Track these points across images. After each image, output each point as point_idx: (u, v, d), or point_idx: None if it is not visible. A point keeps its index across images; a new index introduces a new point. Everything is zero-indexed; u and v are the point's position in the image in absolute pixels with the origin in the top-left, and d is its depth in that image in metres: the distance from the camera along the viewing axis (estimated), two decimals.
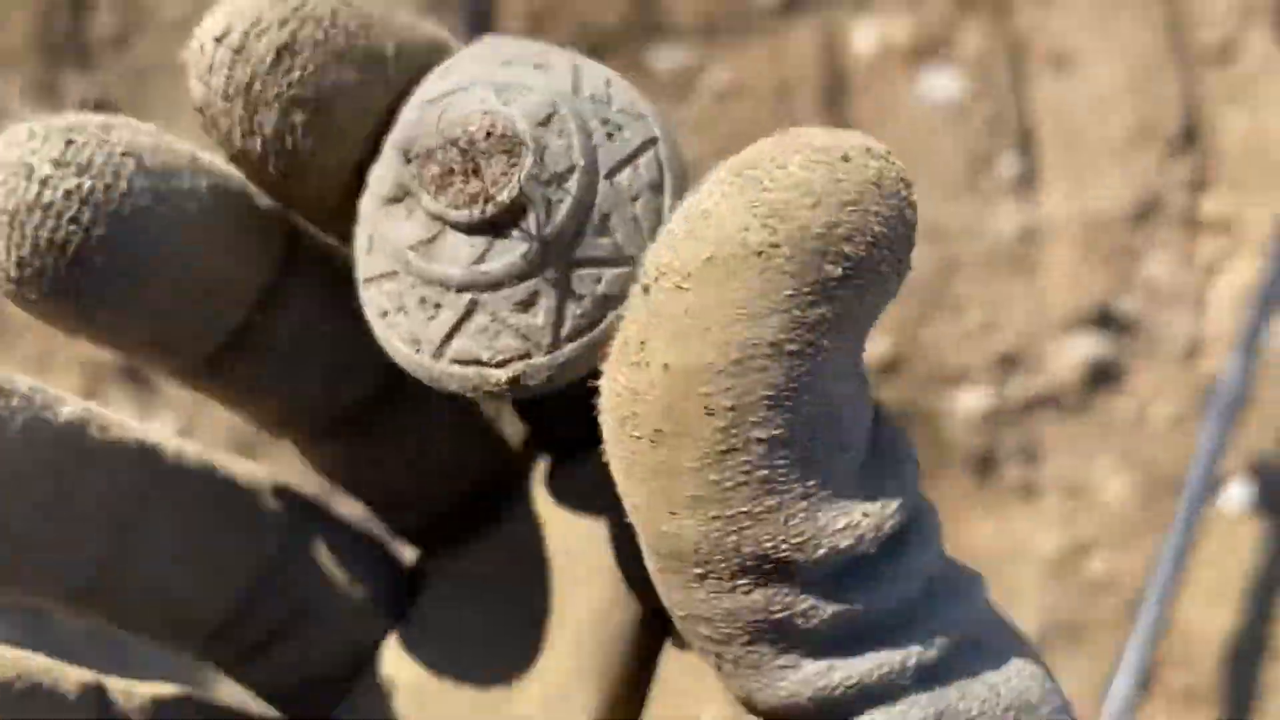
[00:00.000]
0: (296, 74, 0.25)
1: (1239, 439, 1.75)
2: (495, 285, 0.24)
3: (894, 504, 0.22)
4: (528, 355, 0.24)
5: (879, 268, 0.22)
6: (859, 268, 0.21)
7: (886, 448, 0.24)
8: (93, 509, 0.26)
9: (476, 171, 0.24)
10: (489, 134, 0.24)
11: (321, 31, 0.25)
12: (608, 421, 0.23)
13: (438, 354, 0.25)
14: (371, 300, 0.26)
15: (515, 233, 0.24)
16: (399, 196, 0.25)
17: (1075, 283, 1.82)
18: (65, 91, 1.77)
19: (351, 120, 0.25)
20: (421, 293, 0.25)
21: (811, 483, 0.21)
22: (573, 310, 0.24)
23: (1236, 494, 1.74)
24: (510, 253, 0.24)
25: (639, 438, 0.21)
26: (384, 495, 0.33)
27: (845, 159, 0.22)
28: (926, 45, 1.93)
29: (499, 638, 0.30)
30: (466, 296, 0.24)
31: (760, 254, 0.21)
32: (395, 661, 0.31)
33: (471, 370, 0.25)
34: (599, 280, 0.24)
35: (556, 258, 0.24)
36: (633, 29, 1.91)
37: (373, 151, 0.26)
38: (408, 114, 0.25)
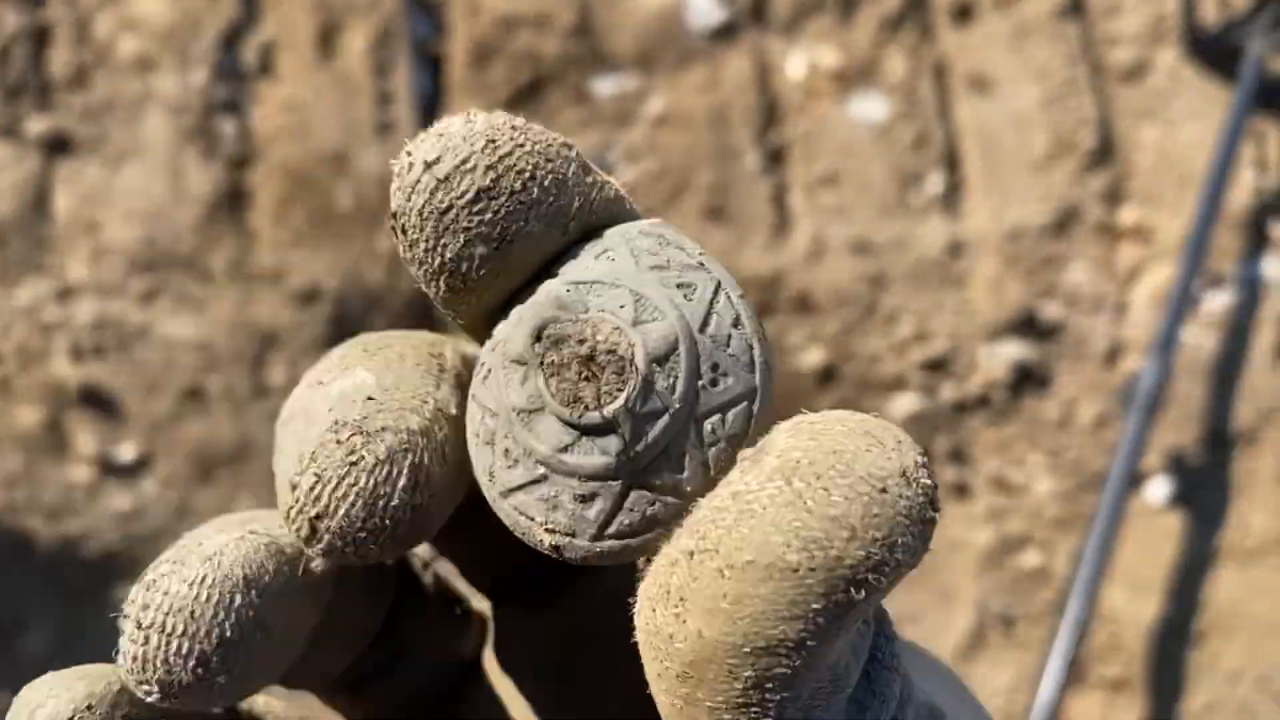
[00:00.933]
0: (488, 215, 0.26)
1: (1158, 437, 1.80)
2: (567, 473, 0.26)
3: None
4: (572, 535, 0.26)
5: (898, 578, 0.24)
6: (881, 586, 0.23)
7: (882, 663, 0.26)
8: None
9: (589, 378, 0.26)
10: (611, 351, 0.26)
11: (520, 183, 0.26)
12: (643, 628, 0.25)
13: (503, 495, 0.27)
14: (471, 416, 0.28)
15: (599, 443, 0.26)
16: (520, 361, 0.26)
17: (1000, 292, 1.88)
18: (25, 129, 1.78)
19: (523, 261, 0.27)
20: (508, 445, 0.27)
21: None
22: (622, 519, 0.26)
23: (1157, 489, 1.81)
24: (588, 456, 0.26)
25: (669, 668, 0.24)
26: (470, 561, 0.36)
27: (883, 490, 0.23)
28: (854, 70, 1.98)
29: (550, 703, 0.33)
30: (541, 469, 0.26)
31: (796, 571, 0.23)
32: (467, 710, 0.34)
33: (523, 520, 0.27)
34: (653, 504, 0.26)
35: (626, 476, 0.26)
36: (574, 59, 1.96)
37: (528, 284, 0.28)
38: (553, 287, 0.27)
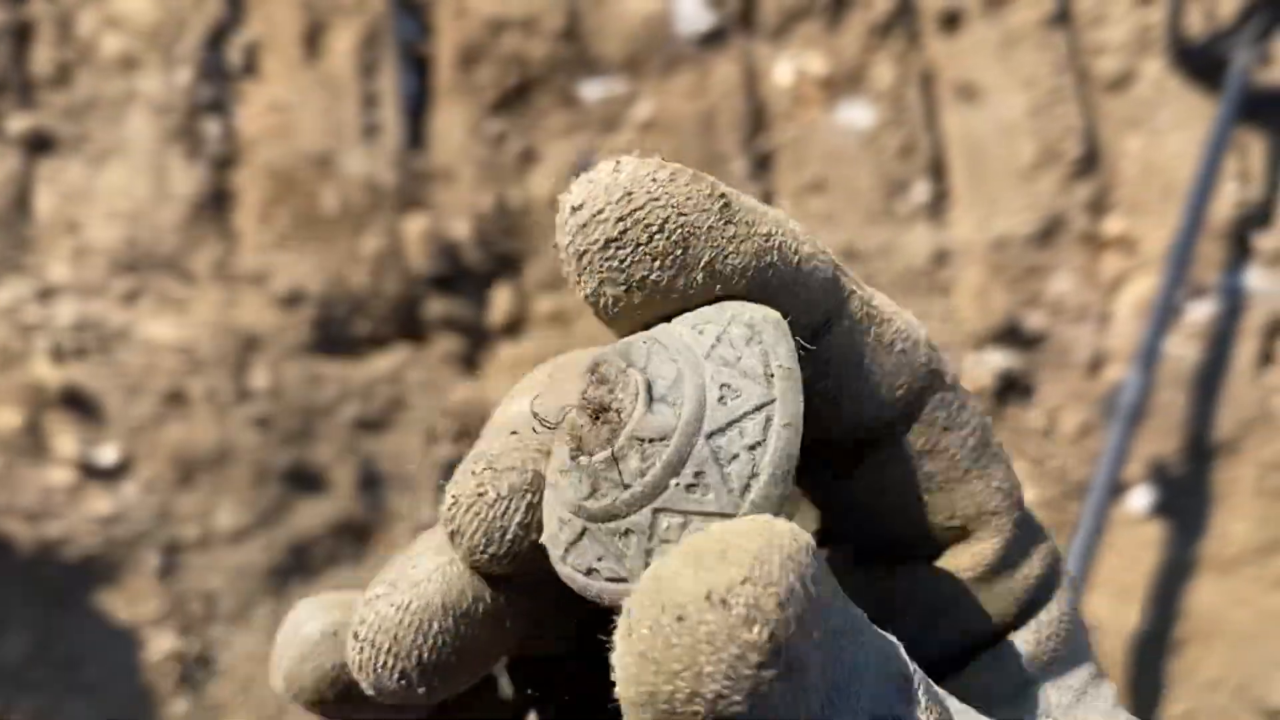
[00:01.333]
0: (615, 262, 0.29)
1: (1140, 446, 1.82)
2: (594, 518, 0.28)
3: None
4: (624, 580, 0.27)
5: (741, 706, 0.23)
6: (717, 714, 0.24)
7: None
8: None
9: (599, 417, 0.28)
10: (617, 388, 0.28)
11: (647, 235, 0.28)
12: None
13: (562, 559, 0.29)
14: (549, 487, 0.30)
15: (612, 478, 0.27)
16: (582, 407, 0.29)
17: (985, 301, 1.89)
18: (6, 127, 1.77)
19: (651, 302, 0.30)
20: (556, 510, 0.29)
21: None
22: (661, 550, 0.27)
23: (1139, 498, 1.82)
24: (605, 497, 0.27)
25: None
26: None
27: (680, 619, 0.24)
28: (842, 77, 1.98)
29: None
30: (580, 522, 0.28)
31: (636, 705, 0.24)
32: None
33: (580, 578, 0.28)
34: (684, 527, 0.27)
35: (645, 504, 0.27)
36: (562, 62, 1.95)
37: None
38: (636, 336, 0.30)
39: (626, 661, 0.24)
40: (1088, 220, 1.95)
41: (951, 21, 2.04)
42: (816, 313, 0.31)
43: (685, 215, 0.29)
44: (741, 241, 0.29)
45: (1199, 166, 1.83)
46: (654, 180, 0.29)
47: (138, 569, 1.58)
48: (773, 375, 0.28)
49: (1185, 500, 1.82)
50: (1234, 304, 1.91)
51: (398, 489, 1.69)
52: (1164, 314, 1.75)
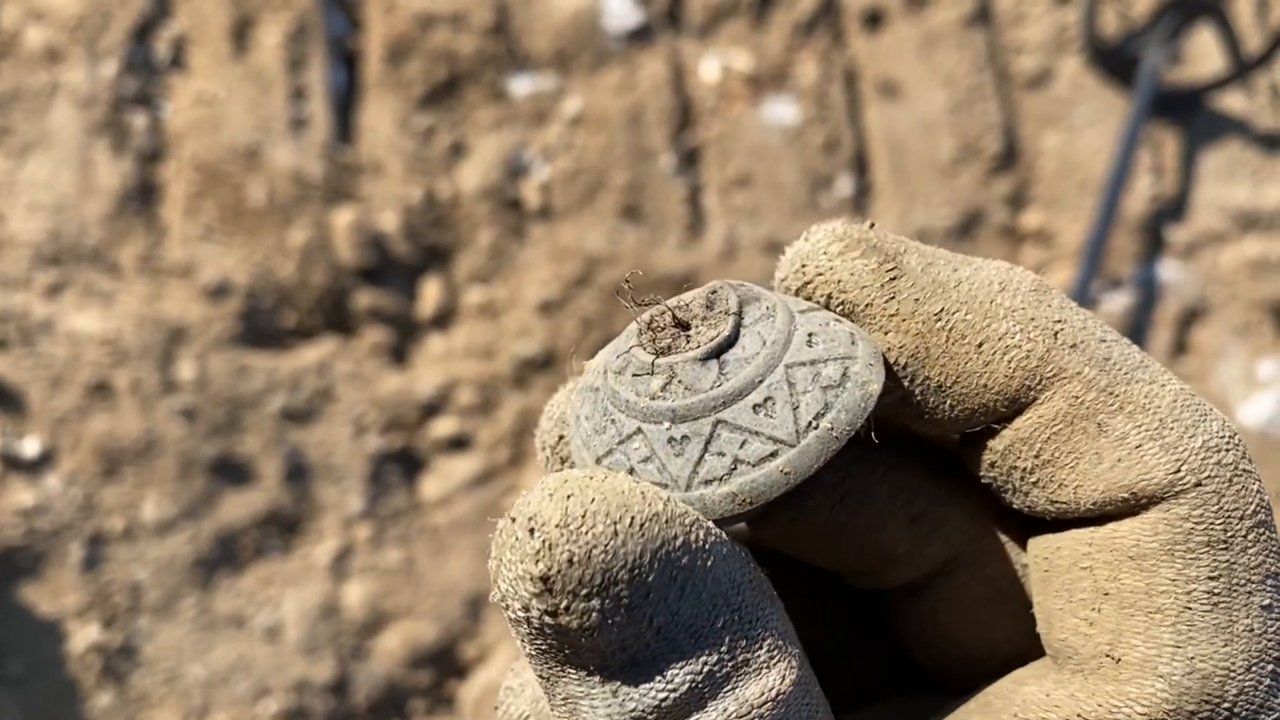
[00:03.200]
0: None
1: None
2: (653, 419, 0.28)
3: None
4: (664, 486, 0.27)
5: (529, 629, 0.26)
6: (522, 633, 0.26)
7: None
8: None
9: (687, 326, 0.28)
10: (715, 304, 0.28)
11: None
12: None
13: (597, 459, 0.29)
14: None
15: (686, 382, 0.28)
16: (624, 349, 0.30)
17: None
18: None
19: None
20: (602, 410, 0.29)
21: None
22: (710, 462, 0.27)
23: None
24: (673, 399, 0.27)
25: None
26: None
27: (531, 531, 0.25)
28: (767, 74, 2.01)
29: None
30: (634, 422, 0.28)
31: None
32: None
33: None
34: (742, 445, 0.27)
35: (711, 414, 0.27)
36: (491, 58, 1.97)
37: None
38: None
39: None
40: (1007, 214, 1.99)
41: (874, 20, 2.08)
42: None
43: (847, 292, 0.30)
44: (903, 320, 0.30)
45: (1113, 162, 1.88)
46: (835, 245, 0.30)
47: (61, 561, 1.57)
48: (857, 342, 0.29)
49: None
50: (1148, 295, 1.96)
51: (325, 480, 1.70)
52: (1081, 305, 1.78)
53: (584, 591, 0.24)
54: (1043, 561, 0.30)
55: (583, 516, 0.24)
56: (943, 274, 0.29)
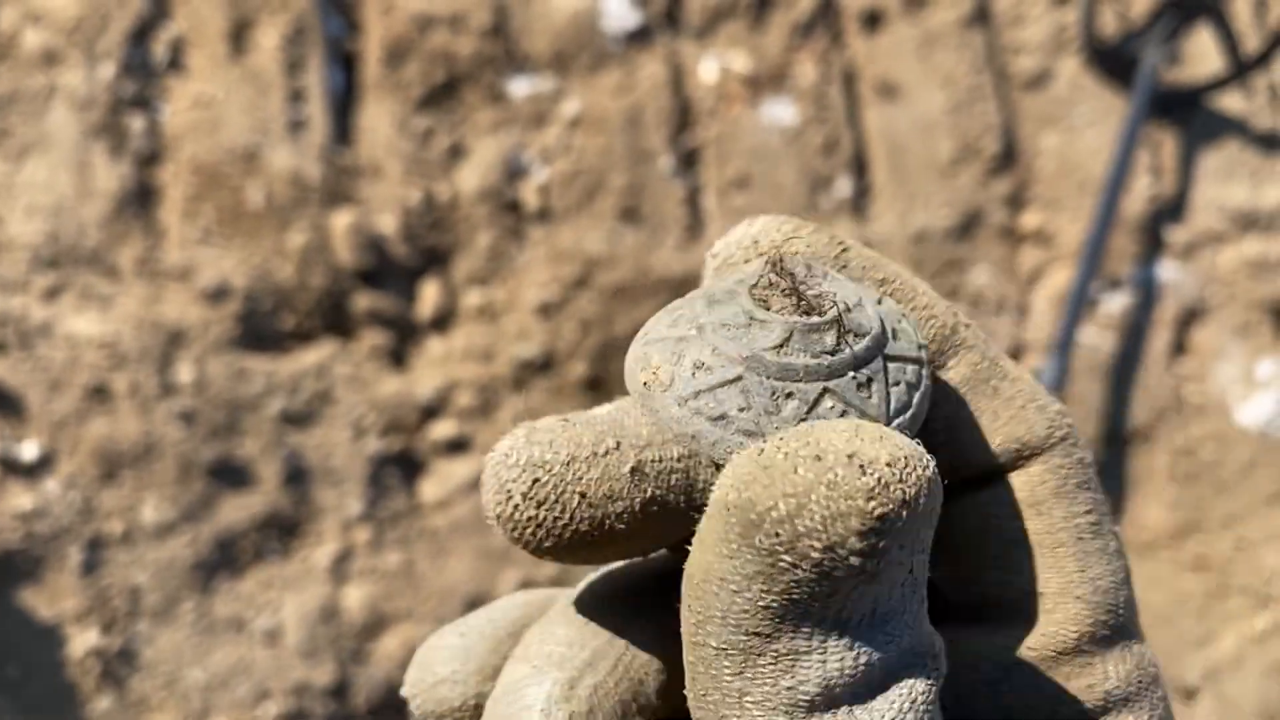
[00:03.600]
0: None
1: None
2: (763, 371, 0.28)
3: None
4: (758, 435, 0.28)
5: (810, 551, 0.25)
6: (787, 546, 0.25)
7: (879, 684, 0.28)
8: None
9: (799, 299, 0.29)
10: (824, 282, 0.30)
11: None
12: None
13: (683, 401, 0.29)
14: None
15: (806, 343, 0.28)
16: (723, 296, 0.30)
17: None
18: None
19: None
20: (699, 356, 0.29)
21: (749, 697, 0.26)
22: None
23: None
24: (790, 355, 0.28)
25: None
26: None
27: (817, 459, 0.25)
28: (766, 75, 2.01)
29: None
30: (738, 369, 0.28)
31: (726, 509, 0.25)
32: None
33: (702, 423, 0.29)
34: (841, 416, 0.28)
35: (820, 379, 0.28)
36: (489, 59, 1.96)
37: None
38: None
39: (743, 466, 0.25)
40: (1006, 215, 1.99)
41: (873, 21, 2.08)
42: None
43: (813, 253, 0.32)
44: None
45: (1112, 162, 1.88)
46: (786, 224, 0.31)
47: (60, 565, 1.57)
48: (923, 346, 0.30)
49: (1101, 486, 1.86)
50: (1147, 295, 1.96)
51: (324, 483, 1.69)
52: (1080, 306, 1.80)
53: (897, 536, 0.25)
54: (947, 530, 0.32)
55: (905, 459, 0.25)
56: (873, 251, 0.33)
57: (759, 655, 0.26)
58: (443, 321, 1.82)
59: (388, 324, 1.79)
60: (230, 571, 1.63)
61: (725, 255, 0.32)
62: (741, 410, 0.28)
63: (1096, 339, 1.93)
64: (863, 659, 0.26)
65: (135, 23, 1.85)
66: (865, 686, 0.26)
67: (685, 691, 0.27)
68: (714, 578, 0.25)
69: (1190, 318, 1.95)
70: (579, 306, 1.83)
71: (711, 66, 2.01)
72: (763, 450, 0.25)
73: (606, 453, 0.29)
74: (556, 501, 0.29)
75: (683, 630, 0.27)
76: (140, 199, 1.77)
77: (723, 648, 0.26)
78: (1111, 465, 1.88)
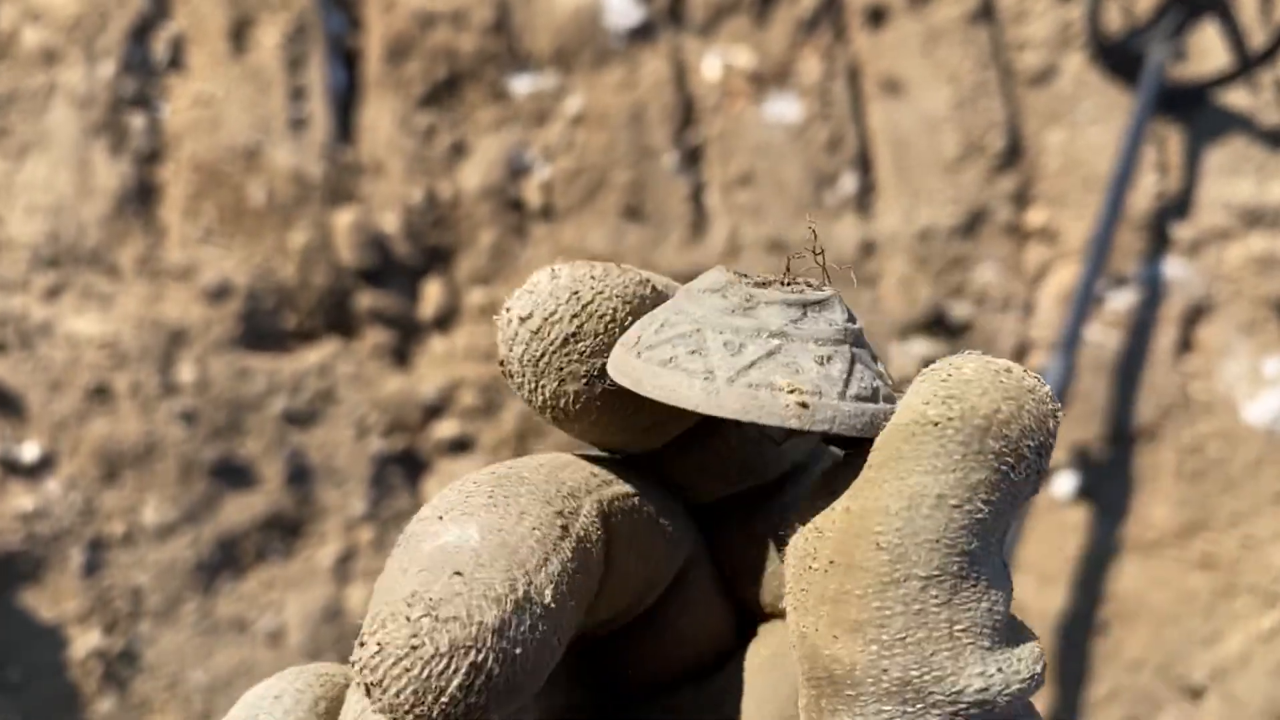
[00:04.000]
0: (575, 356, 0.30)
1: (1063, 432, 1.85)
2: (803, 338, 0.29)
3: (1023, 672, 0.26)
4: (819, 394, 0.28)
5: (1026, 452, 0.26)
6: (1012, 448, 0.26)
7: (1018, 625, 0.28)
8: None
9: (794, 283, 0.30)
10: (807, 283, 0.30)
11: (602, 325, 0.30)
12: (790, 561, 0.28)
13: (733, 380, 0.28)
14: (652, 357, 0.29)
15: (825, 315, 0.29)
16: (717, 289, 0.30)
17: (911, 291, 1.91)
18: None
19: (612, 392, 0.31)
20: (726, 337, 0.29)
21: (958, 625, 0.25)
22: (857, 380, 0.28)
23: (1063, 483, 1.85)
24: (820, 323, 0.29)
25: (815, 569, 0.26)
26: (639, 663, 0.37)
27: (1009, 370, 0.27)
28: (770, 72, 2.00)
29: None
30: (776, 341, 0.28)
31: (937, 424, 0.26)
32: None
33: (764, 394, 0.28)
34: (876, 377, 0.29)
35: (852, 344, 0.29)
36: (491, 56, 1.96)
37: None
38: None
39: (942, 383, 0.26)
40: (1011, 212, 1.98)
41: (877, 17, 2.07)
42: None
43: (630, 302, 0.31)
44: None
45: (1118, 158, 1.88)
46: (593, 277, 0.31)
47: (61, 566, 1.56)
48: (884, 378, 0.31)
49: (1107, 485, 1.86)
50: (1153, 293, 1.95)
51: (327, 483, 1.69)
52: (1085, 303, 1.79)
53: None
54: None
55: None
56: (670, 281, 0.34)
57: (966, 578, 0.25)
58: (445, 320, 1.81)
59: (390, 323, 1.78)
60: (232, 572, 1.62)
61: (542, 312, 0.30)
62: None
63: (1102, 336, 1.93)
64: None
65: (135, 20, 1.85)
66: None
67: (855, 652, 0.26)
68: (929, 497, 0.25)
69: (1196, 315, 1.94)
70: None
71: (715, 63, 2.00)
72: (950, 371, 0.26)
73: None
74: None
75: (858, 580, 0.26)
76: (141, 198, 1.76)
77: (933, 575, 0.25)
78: (1117, 463, 1.87)
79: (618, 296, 0.31)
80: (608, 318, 0.30)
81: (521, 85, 1.95)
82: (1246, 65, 1.99)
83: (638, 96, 1.96)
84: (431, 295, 1.81)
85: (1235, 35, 1.99)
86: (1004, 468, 0.25)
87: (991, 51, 2.06)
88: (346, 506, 1.68)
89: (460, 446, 1.74)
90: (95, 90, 1.79)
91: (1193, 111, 2.07)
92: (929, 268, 1.92)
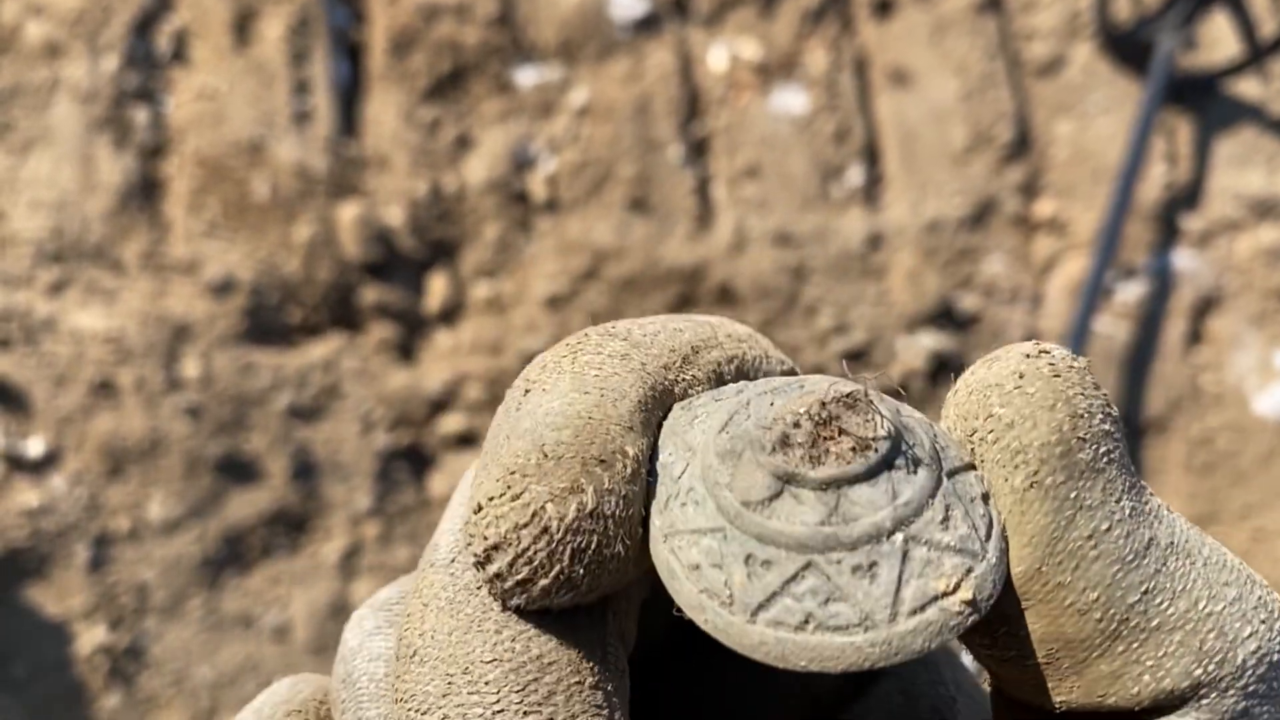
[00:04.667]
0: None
1: None
2: (827, 548, 0.23)
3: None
4: (864, 627, 0.23)
5: (1099, 433, 0.25)
6: (1092, 439, 0.25)
7: None
8: None
9: (842, 431, 0.24)
10: (850, 399, 0.24)
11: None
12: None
13: (752, 618, 0.23)
14: (672, 551, 0.25)
15: (863, 500, 0.23)
16: (731, 452, 0.24)
17: (919, 283, 1.91)
18: None
19: None
20: (749, 549, 0.24)
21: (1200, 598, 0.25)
22: (916, 581, 0.23)
23: None
24: (851, 523, 0.23)
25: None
26: None
27: (1021, 376, 0.26)
28: (776, 63, 2.00)
29: None
30: (798, 558, 0.23)
31: (1032, 487, 0.25)
32: None
33: (791, 638, 0.23)
34: (934, 565, 0.23)
35: (899, 531, 0.23)
36: (496, 49, 1.95)
37: None
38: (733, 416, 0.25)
39: (1009, 402, 0.25)
40: (1019, 203, 1.97)
41: (884, 8, 2.06)
42: None
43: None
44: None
45: (1127, 149, 1.86)
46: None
47: (67, 562, 1.56)
48: (956, 444, 0.26)
49: None
50: (1162, 284, 1.94)
51: (333, 478, 1.68)
52: (1094, 295, 1.78)
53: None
54: None
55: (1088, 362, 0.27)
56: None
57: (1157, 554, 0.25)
58: (451, 314, 1.81)
59: (395, 317, 1.78)
60: (238, 568, 1.62)
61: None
62: (827, 603, 0.23)
63: (1111, 328, 1.92)
64: None
65: (138, 14, 1.84)
66: None
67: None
68: (1083, 541, 0.24)
69: (1206, 306, 1.93)
70: (588, 299, 1.82)
71: (721, 55, 1.99)
72: (993, 420, 0.25)
73: None
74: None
75: (1089, 576, 0.24)
76: (144, 192, 1.76)
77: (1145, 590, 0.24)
78: None
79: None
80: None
81: (526, 78, 1.94)
82: (1257, 55, 1.98)
83: (643, 89, 1.95)
84: (437, 289, 1.81)
85: (1246, 24, 1.98)
86: (1103, 461, 0.25)
87: (999, 42, 2.05)
88: (352, 502, 1.67)
89: (466, 441, 1.74)
90: (98, 84, 1.79)
91: (1203, 102, 2.05)
92: (937, 259, 1.91)
